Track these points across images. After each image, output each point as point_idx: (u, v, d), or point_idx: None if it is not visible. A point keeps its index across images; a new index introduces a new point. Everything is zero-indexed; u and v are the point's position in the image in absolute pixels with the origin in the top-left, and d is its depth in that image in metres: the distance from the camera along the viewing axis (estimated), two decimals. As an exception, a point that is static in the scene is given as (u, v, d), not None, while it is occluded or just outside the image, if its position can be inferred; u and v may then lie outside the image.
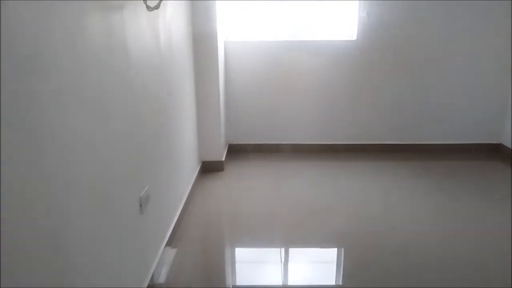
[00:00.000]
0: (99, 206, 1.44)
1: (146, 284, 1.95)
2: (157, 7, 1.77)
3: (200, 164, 3.46)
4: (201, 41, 3.20)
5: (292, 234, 2.62)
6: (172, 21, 2.51)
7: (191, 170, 3.18)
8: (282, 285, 2.15)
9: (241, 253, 2.57)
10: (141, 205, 1.87)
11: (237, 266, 2.41)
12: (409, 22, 3.56)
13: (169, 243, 2.37)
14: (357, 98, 3.79)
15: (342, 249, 2.49)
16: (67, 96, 1.21)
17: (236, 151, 3.90)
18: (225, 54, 3.68)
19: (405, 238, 2.49)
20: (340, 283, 2.19)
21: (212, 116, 3.40)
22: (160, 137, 2.25)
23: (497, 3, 3.49)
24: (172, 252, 2.34)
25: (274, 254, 2.47)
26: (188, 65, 3.04)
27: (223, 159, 3.55)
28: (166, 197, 2.39)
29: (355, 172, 3.50)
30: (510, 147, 3.72)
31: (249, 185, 3.31)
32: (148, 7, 1.77)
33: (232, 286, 2.20)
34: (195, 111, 3.29)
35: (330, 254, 2.49)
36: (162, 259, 2.18)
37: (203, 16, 3.15)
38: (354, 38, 3.62)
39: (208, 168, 3.49)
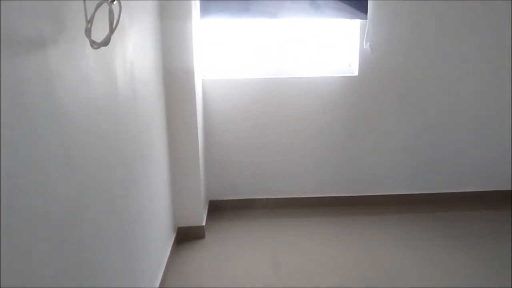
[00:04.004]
0: None
1: None
2: (105, 43, 1.15)
3: (176, 232, 2.77)
4: (175, 79, 2.58)
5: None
6: (135, 58, 1.88)
7: (164, 241, 2.49)
8: None
9: None
10: None
11: None
12: (419, 54, 3.05)
13: None
14: (359, 144, 3.22)
15: None
16: None
17: (219, 209, 3.22)
18: (203, 95, 3.06)
19: None
20: None
21: (190, 170, 2.75)
22: (114, 220, 1.58)
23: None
24: None
25: None
26: (158, 109, 2.40)
27: (204, 223, 2.87)
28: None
29: (366, 232, 2.88)
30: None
31: (237, 256, 2.63)
32: (93, 44, 1.14)
33: None
34: (168, 166, 2.63)
35: None
36: None
37: (177, 50, 2.54)
38: (356, 73, 3.08)
39: (186, 236, 2.80)
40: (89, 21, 1.16)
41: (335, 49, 3.14)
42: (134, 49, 1.88)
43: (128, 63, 1.77)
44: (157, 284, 2.19)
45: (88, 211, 1.30)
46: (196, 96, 2.69)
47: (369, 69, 3.06)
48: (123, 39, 1.70)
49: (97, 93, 1.36)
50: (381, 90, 3.11)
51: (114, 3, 1.19)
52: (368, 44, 2.98)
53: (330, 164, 3.25)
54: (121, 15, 1.15)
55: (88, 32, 1.16)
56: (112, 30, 1.12)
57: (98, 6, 1.16)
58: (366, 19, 2.93)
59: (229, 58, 3.12)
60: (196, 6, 2.71)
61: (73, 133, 1.18)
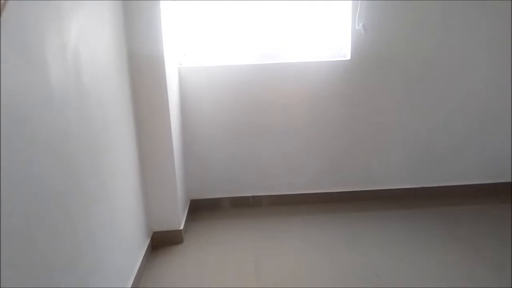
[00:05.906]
0: None
1: None
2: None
3: (150, 237, 2.52)
4: (142, 68, 2.30)
5: None
6: (83, 45, 1.60)
7: (137, 247, 2.25)
8: None
9: None
10: None
11: None
12: (418, 35, 2.75)
13: None
14: (355, 134, 2.94)
15: None
16: None
17: (201, 209, 2.97)
18: (181, 85, 2.78)
19: None
20: None
21: (163, 169, 2.49)
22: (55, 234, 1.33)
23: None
24: None
25: None
26: (122, 102, 2.13)
27: (182, 227, 2.61)
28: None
29: (360, 230, 2.63)
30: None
31: (217, 264, 2.38)
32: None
33: None
34: (138, 166, 2.37)
35: None
36: None
37: (143, 35, 2.26)
38: (348, 57, 2.79)
39: (162, 241, 2.55)
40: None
41: (325, 31, 2.84)
42: (81, 35, 1.60)
43: (70, 52, 1.49)
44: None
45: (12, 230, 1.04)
46: (169, 85, 2.42)
47: (363, 53, 2.76)
48: (59, 23, 1.42)
49: (7, 90, 1.09)
50: (376, 75, 2.82)
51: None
52: (361, 24, 2.68)
53: (323, 158, 2.98)
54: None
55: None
56: (-3, 9, 0.85)
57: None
58: (359, -4, 2.63)
59: (210, 44, 2.83)
60: (166, -15, 2.42)
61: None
